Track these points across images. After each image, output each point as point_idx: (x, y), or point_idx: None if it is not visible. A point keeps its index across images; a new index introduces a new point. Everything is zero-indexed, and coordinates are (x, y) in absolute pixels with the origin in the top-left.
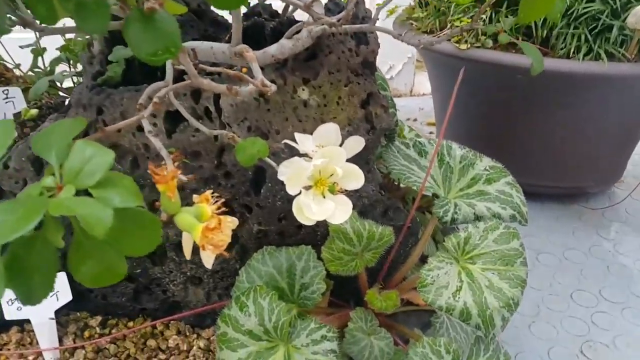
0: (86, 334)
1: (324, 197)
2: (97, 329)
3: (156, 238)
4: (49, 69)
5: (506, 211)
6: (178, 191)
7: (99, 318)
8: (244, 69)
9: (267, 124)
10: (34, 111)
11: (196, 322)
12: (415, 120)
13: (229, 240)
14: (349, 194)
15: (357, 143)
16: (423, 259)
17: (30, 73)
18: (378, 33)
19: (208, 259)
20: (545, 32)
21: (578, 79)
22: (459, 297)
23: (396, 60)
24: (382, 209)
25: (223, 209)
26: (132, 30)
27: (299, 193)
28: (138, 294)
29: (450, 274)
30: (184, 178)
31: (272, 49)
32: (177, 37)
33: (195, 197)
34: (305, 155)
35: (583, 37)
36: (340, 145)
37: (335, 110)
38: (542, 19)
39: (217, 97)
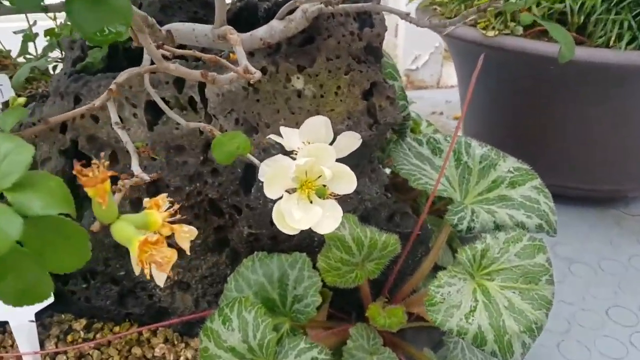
0: (69, 338)
1: (311, 201)
2: (82, 332)
3: (84, 252)
4: (40, 55)
5: (532, 220)
6: (164, 188)
7: (84, 321)
8: (233, 55)
9: (256, 117)
10: (22, 100)
11: (184, 330)
12: (441, 113)
13: (174, 257)
14: (348, 197)
15: (351, 140)
16: (438, 269)
17: (22, 59)
18: (401, 21)
19: (159, 277)
20: (582, 18)
21: (619, 70)
22: (472, 319)
23: (422, 50)
24: (388, 214)
25: (179, 216)
26: (75, 4)
27: (281, 197)
28: (123, 297)
29: (464, 292)
30: (145, 177)
31: (261, 32)
32: (127, 13)
33: (145, 201)
34: (293, 152)
35: (626, 23)
36: (333, 142)
37: (333, 101)
38: (578, 3)
39: (202, 85)
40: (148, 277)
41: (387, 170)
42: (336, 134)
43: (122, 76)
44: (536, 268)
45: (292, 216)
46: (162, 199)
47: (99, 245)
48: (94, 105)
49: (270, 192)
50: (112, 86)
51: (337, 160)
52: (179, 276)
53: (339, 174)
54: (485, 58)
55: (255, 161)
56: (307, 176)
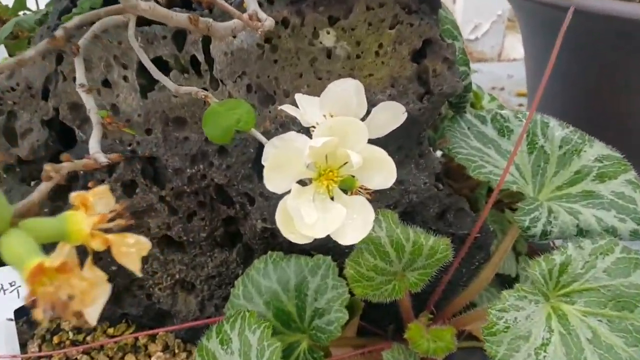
0: (56, 339)
1: (332, 198)
2: (70, 334)
3: None
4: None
5: (626, 224)
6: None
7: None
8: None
9: (273, 82)
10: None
11: (188, 336)
12: (502, 89)
13: (99, 289)
14: (387, 188)
15: (393, 114)
16: (505, 281)
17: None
18: None
19: (91, 314)
20: None
21: None
22: (544, 356)
23: (483, 18)
24: (438, 210)
25: (123, 220)
26: None
27: (289, 192)
28: (118, 295)
29: (535, 319)
30: (102, 159)
31: None
32: None
33: (72, 195)
34: (312, 129)
35: None
36: (365, 118)
37: (372, 64)
38: None
39: (208, 42)
40: (44, 322)
41: (438, 153)
42: (373, 105)
43: (74, 21)
44: (631, 290)
45: (304, 218)
46: (97, 193)
47: None
48: (26, 57)
49: (272, 184)
50: (59, 32)
51: (372, 142)
52: (180, 274)
53: (373, 160)
54: (560, 23)
55: (262, 139)
56: (327, 162)
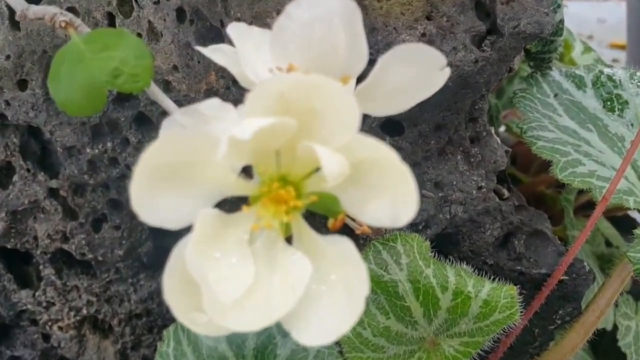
0: None
1: (288, 239)
2: None
3: None
4: None
5: None
6: None
7: None
8: None
9: (220, 5)
10: None
11: None
12: (590, 38)
13: None
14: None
15: (423, 69)
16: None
17: None
18: None
19: None
20: None
21: None
22: None
23: None
24: (500, 233)
25: None
26: None
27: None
28: (5, 330)
29: None
30: None
31: None
32: None
33: None
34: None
35: None
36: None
37: None
38: None
39: None
40: None
41: (501, 129)
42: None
43: None
44: None
45: (221, 285)
46: None
47: None
48: None
49: (150, 208)
50: None
51: (388, 119)
52: (89, 309)
53: (371, 167)
54: None
55: (169, 106)
56: (279, 167)
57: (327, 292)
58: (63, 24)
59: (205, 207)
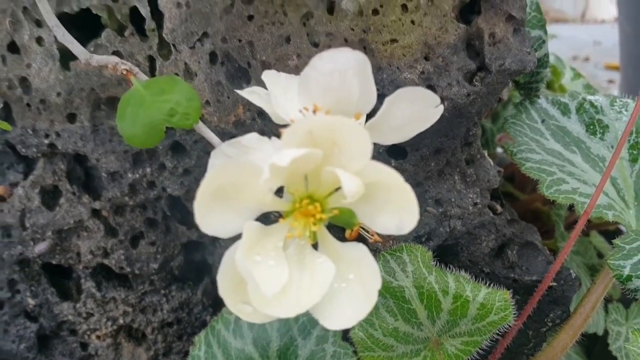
0: None
1: (315, 245)
2: None
3: None
4: None
5: None
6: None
7: None
8: None
9: (247, 49)
10: None
11: None
12: (586, 60)
13: None
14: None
15: (422, 108)
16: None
17: None
18: None
19: None
20: None
21: None
22: None
23: None
24: (495, 244)
25: None
26: None
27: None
28: (45, 340)
29: None
30: None
31: None
32: None
33: None
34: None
35: None
36: (371, 114)
37: (396, 23)
38: None
39: None
40: None
41: (499, 150)
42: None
43: None
44: None
45: (262, 284)
46: None
47: None
48: None
49: (208, 221)
50: None
51: (394, 146)
52: (125, 319)
53: (380, 188)
54: None
55: (214, 140)
56: (307, 188)
57: (347, 288)
58: (124, 72)
59: (248, 221)
